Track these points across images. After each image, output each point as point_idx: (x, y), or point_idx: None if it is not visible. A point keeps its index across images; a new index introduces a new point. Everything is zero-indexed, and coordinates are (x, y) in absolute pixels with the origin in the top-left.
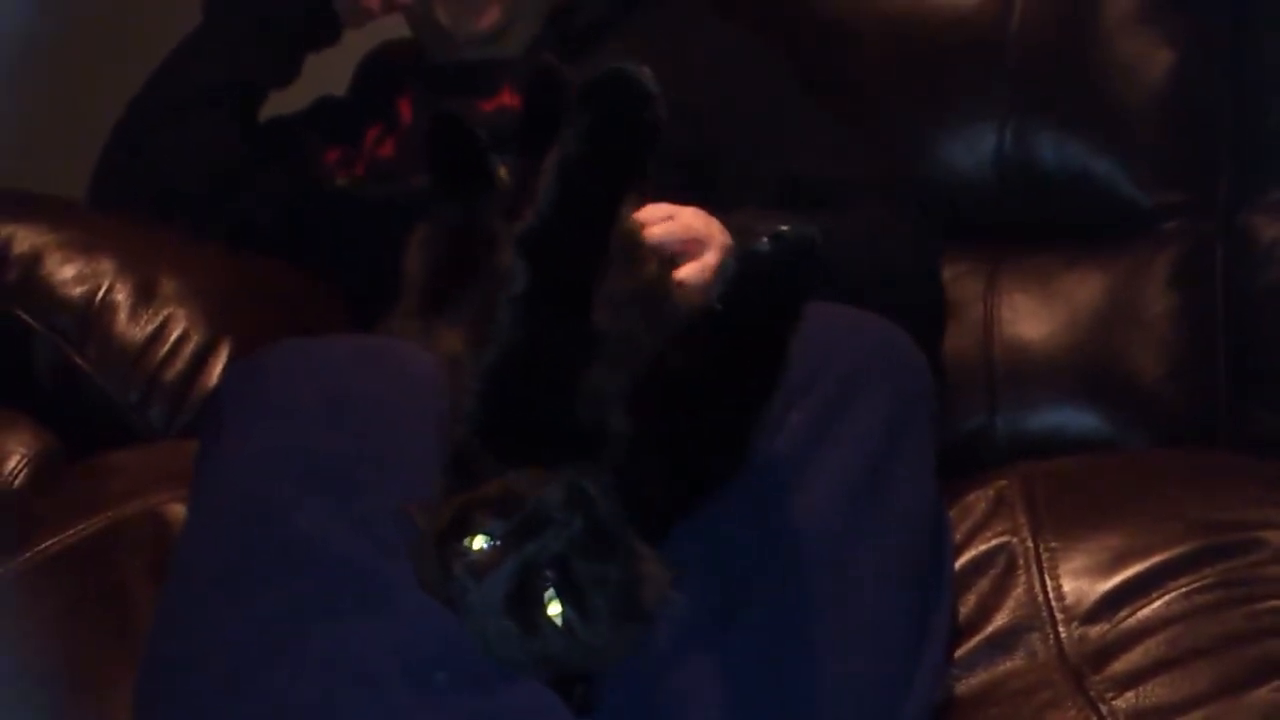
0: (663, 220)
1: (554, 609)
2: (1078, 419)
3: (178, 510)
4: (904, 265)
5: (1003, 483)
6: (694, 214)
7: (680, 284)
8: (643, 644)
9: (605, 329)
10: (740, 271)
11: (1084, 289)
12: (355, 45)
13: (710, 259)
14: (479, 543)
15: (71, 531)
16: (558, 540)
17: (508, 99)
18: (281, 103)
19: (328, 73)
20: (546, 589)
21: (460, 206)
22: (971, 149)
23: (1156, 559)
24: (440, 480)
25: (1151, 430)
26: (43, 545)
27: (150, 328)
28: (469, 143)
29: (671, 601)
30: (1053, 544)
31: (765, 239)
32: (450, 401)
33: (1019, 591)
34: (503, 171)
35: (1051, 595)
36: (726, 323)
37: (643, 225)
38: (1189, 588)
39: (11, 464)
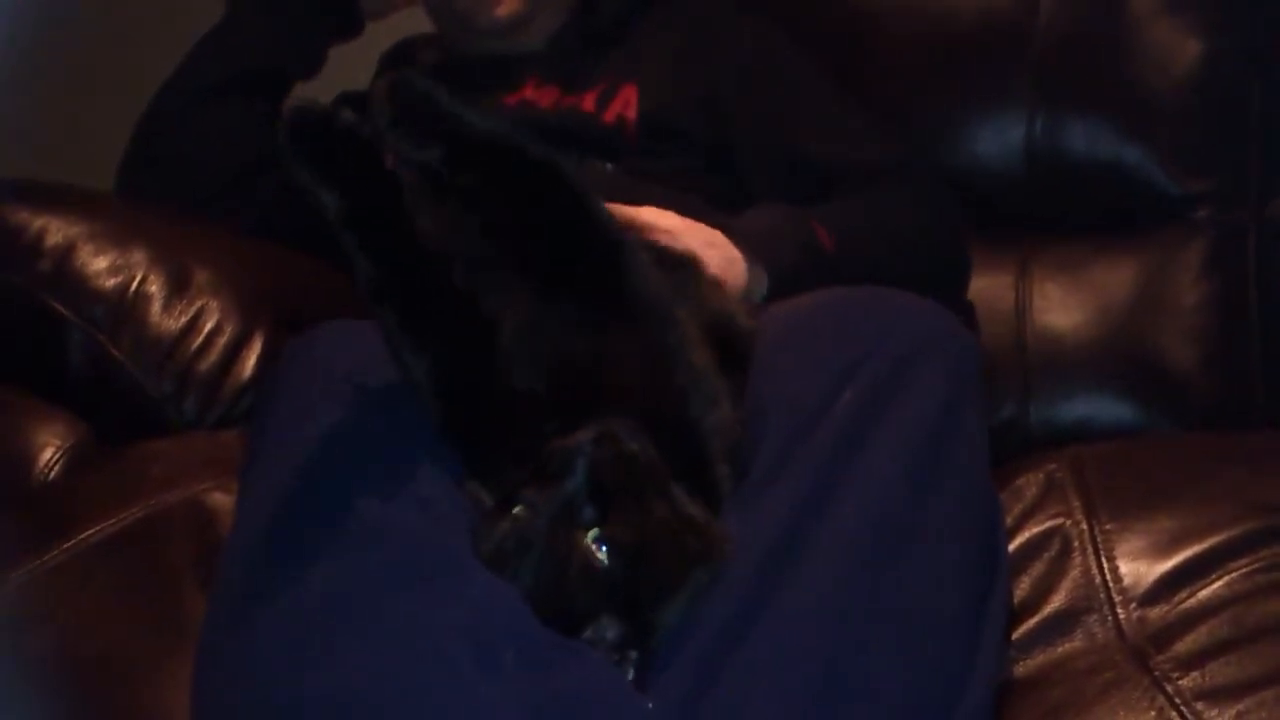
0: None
1: (595, 549)
2: (1111, 408)
3: (219, 499)
4: (923, 243)
5: (1052, 465)
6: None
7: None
8: (696, 623)
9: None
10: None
11: (1115, 278)
12: (378, 39)
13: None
14: (521, 510)
15: (112, 520)
16: (591, 473)
17: (530, 93)
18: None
19: (351, 67)
20: (588, 526)
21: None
22: (1001, 139)
23: (1214, 540)
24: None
25: (1185, 420)
26: (84, 534)
27: (184, 319)
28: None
29: (725, 553)
30: (1108, 526)
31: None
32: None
33: (1075, 574)
34: None
35: (1109, 577)
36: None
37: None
38: (1249, 568)
39: (47, 456)
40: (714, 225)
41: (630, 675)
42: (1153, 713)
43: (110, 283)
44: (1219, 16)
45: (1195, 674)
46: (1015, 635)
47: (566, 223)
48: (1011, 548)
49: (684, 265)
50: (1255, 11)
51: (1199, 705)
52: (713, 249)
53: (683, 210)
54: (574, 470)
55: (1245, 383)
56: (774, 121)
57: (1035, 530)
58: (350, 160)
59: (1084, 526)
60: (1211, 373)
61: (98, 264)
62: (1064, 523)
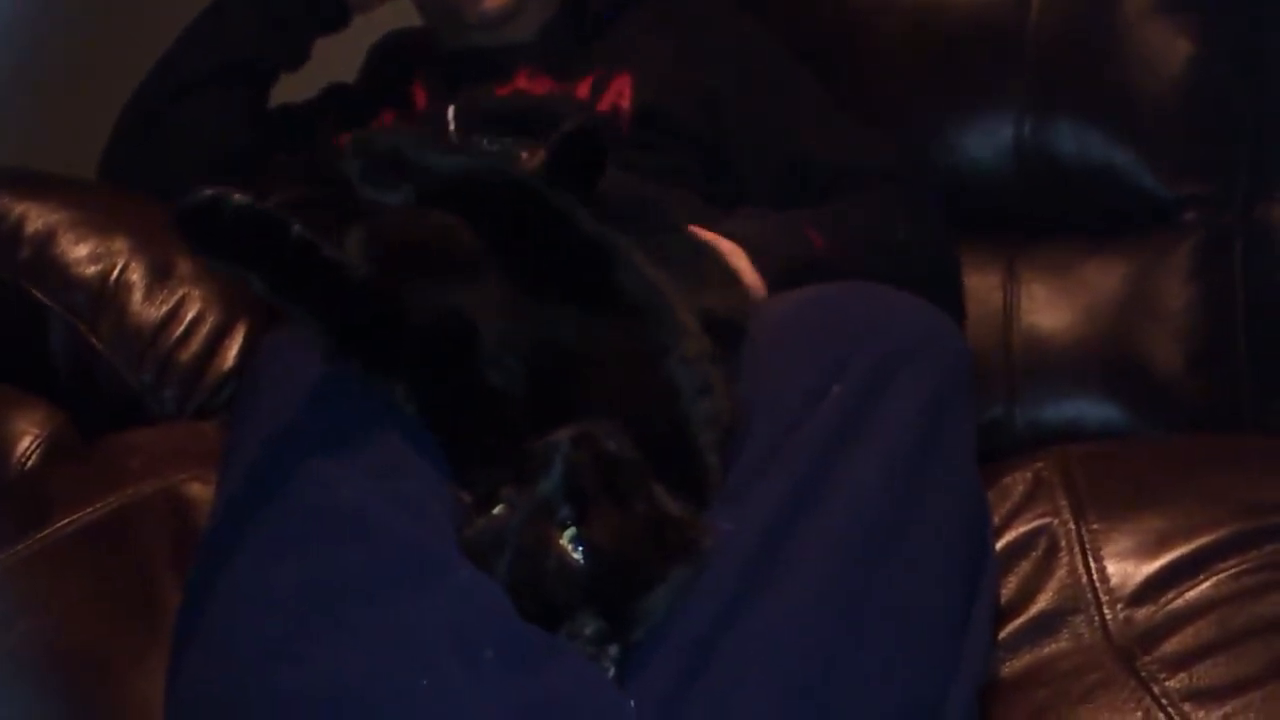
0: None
1: (571, 549)
2: (1096, 410)
3: (197, 489)
4: (915, 248)
5: (1040, 465)
6: None
7: None
8: (681, 616)
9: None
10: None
11: (1103, 280)
12: (364, 34)
13: None
14: (501, 509)
15: (89, 510)
16: (568, 474)
17: (523, 83)
18: (292, 93)
19: (337, 60)
20: (565, 525)
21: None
22: (991, 140)
23: (1201, 541)
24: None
25: (1171, 422)
26: (60, 524)
27: (165, 308)
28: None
29: (707, 548)
30: (1095, 526)
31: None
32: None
33: (1062, 573)
34: (526, 156)
35: (1095, 577)
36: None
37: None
38: (1236, 570)
39: (24, 445)
40: (708, 224)
41: (611, 671)
42: (1139, 714)
43: (91, 270)
44: (1209, 20)
45: (1182, 675)
46: (1002, 635)
47: (550, 236)
48: (998, 546)
49: (700, 255)
50: (1245, 15)
51: (1186, 706)
52: (738, 257)
53: (679, 206)
54: (551, 470)
55: (1232, 385)
56: (773, 121)
57: (1022, 529)
58: (254, 237)
59: (1071, 526)
60: (1198, 375)
61: (79, 251)
62: (1051, 522)
